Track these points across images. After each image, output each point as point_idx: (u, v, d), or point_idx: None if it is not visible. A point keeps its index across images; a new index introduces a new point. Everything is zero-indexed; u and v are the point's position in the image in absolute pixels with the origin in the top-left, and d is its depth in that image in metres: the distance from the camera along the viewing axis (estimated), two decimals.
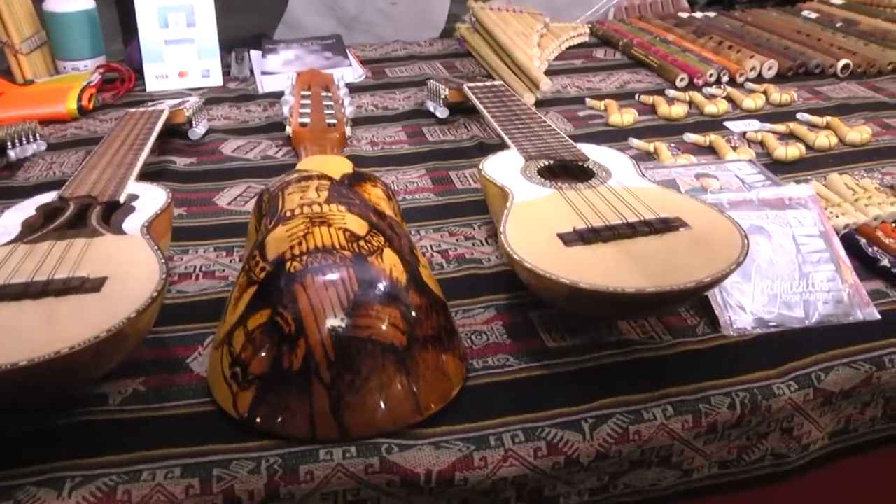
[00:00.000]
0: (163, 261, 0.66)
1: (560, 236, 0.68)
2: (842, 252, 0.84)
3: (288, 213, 0.68)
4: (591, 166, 0.84)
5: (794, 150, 1.12)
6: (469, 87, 1.14)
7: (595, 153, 0.88)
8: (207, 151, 1.17)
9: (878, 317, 0.78)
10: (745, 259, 0.66)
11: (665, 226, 0.69)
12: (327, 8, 2.29)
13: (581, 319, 0.74)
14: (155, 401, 0.66)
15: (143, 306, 0.59)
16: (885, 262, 0.85)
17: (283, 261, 0.63)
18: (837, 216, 0.94)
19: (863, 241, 0.89)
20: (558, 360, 0.70)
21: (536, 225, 0.70)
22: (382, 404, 0.59)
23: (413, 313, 0.62)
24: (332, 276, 0.61)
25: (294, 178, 0.74)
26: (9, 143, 1.14)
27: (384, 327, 0.60)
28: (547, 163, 0.85)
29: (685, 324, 0.76)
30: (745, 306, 0.78)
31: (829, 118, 1.24)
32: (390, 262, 0.63)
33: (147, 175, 1.06)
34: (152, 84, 1.45)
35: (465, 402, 0.64)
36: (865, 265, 0.86)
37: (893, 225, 0.93)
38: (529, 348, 0.71)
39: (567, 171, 0.84)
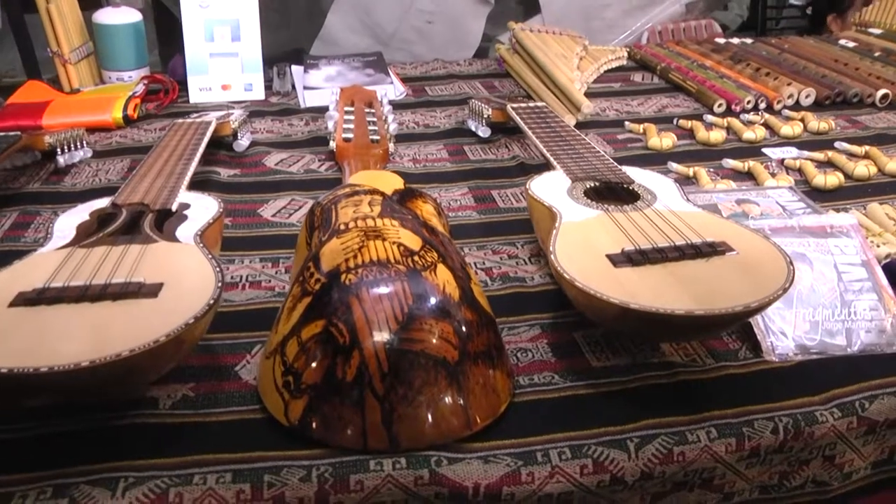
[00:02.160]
0: (217, 269, 0.67)
1: (609, 257, 0.69)
2: (884, 281, 0.84)
3: (342, 227, 0.69)
4: (636, 189, 0.85)
5: (832, 179, 1.12)
6: (513, 108, 1.15)
7: (639, 176, 0.88)
8: (251, 164, 1.19)
9: None
10: (791, 285, 0.66)
11: (711, 250, 0.70)
12: (364, 25, 2.31)
13: (625, 340, 0.75)
14: (204, 406, 0.68)
15: (200, 313, 0.60)
16: None
17: (339, 273, 0.64)
18: (879, 246, 0.94)
19: None
20: (603, 380, 0.70)
21: (585, 245, 0.71)
22: (433, 417, 0.60)
23: (465, 329, 0.63)
24: (387, 290, 0.62)
25: (346, 193, 0.76)
26: (58, 150, 1.17)
27: (437, 341, 0.61)
28: (593, 184, 0.86)
29: (727, 348, 0.76)
30: (787, 332, 0.78)
31: (867, 147, 1.24)
32: (444, 277, 0.64)
33: (192, 185, 1.08)
34: (195, 96, 1.48)
35: (512, 417, 0.65)
36: None
37: None
38: (574, 367, 0.72)
39: (612, 194, 0.85)
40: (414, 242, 0.67)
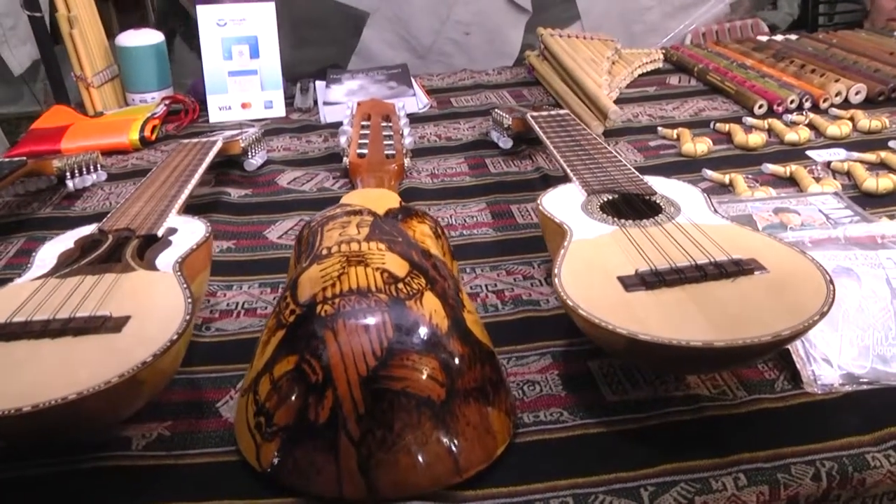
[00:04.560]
0: (189, 300, 0.62)
1: (620, 279, 0.61)
2: None
3: (324, 251, 0.63)
4: (658, 201, 0.77)
5: (885, 182, 1.02)
6: (532, 117, 1.08)
7: (664, 186, 0.81)
8: (264, 183, 1.14)
9: None
10: (829, 308, 0.58)
11: (738, 269, 0.62)
12: (400, 39, 2.28)
13: (646, 371, 0.67)
14: (178, 447, 0.62)
15: (159, 350, 0.55)
16: None
17: (315, 303, 0.58)
18: None
19: None
20: (618, 417, 0.63)
21: (595, 266, 0.64)
22: (417, 463, 0.53)
23: (454, 363, 0.56)
24: (366, 322, 0.56)
25: (335, 213, 0.70)
26: (68, 174, 1.14)
27: (421, 379, 0.54)
28: (610, 197, 0.78)
29: (762, 378, 0.68)
30: (832, 359, 0.69)
31: None
32: (431, 306, 0.58)
33: (201, 207, 1.05)
34: (215, 115, 1.44)
35: (511, 461, 0.58)
36: None
37: None
38: (586, 402, 0.64)
39: (632, 207, 0.77)
40: (400, 268, 0.60)
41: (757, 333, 0.54)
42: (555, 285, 0.61)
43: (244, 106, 1.45)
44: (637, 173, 0.84)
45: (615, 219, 0.72)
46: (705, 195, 0.79)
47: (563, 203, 0.77)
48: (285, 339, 0.57)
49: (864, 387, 0.67)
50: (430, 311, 0.57)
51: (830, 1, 3.53)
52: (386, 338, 0.55)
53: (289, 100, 1.50)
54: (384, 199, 0.75)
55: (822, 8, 3.53)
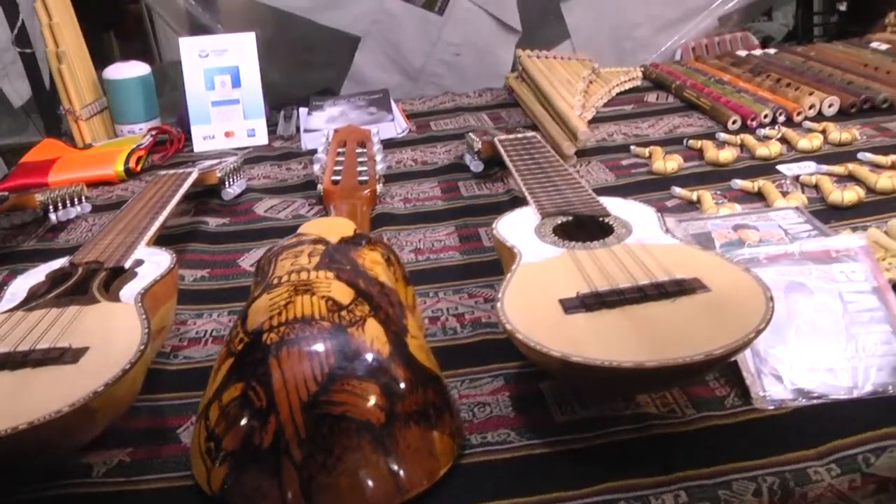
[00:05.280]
0: (146, 331, 0.64)
1: (562, 302, 0.62)
2: None
3: (275, 281, 0.65)
4: (611, 222, 0.78)
5: (850, 194, 1.04)
6: (500, 140, 1.10)
7: (618, 207, 0.82)
8: (242, 212, 1.16)
9: None
10: (766, 326, 0.59)
11: (679, 288, 0.63)
12: (392, 62, 2.30)
13: (591, 392, 0.68)
14: (137, 473, 0.64)
15: (111, 380, 0.56)
16: None
17: (261, 331, 0.60)
18: None
19: None
20: (564, 437, 0.64)
21: (539, 289, 0.65)
22: (358, 486, 0.55)
23: (394, 388, 0.57)
24: (308, 349, 0.57)
25: (290, 243, 0.72)
26: (50, 207, 1.17)
27: (360, 403, 0.56)
28: (564, 220, 0.80)
29: (713, 395, 0.68)
30: (783, 374, 0.70)
31: (894, 157, 1.15)
32: (372, 333, 0.60)
33: (178, 236, 1.07)
34: (199, 145, 1.47)
35: (455, 482, 0.59)
36: None
37: None
38: (534, 423, 0.66)
39: (585, 229, 0.79)
40: (345, 295, 0.62)
41: (689, 353, 0.55)
42: (496, 309, 0.62)
43: (227, 135, 1.47)
44: (593, 195, 0.85)
45: (565, 242, 0.74)
46: (659, 215, 0.80)
47: (518, 226, 0.79)
48: (234, 366, 0.59)
49: (815, 402, 0.67)
50: (371, 338, 0.59)
51: (824, 12, 3.55)
52: (327, 364, 0.56)
53: (273, 127, 1.52)
54: (339, 228, 0.76)
55: (816, 19, 3.55)
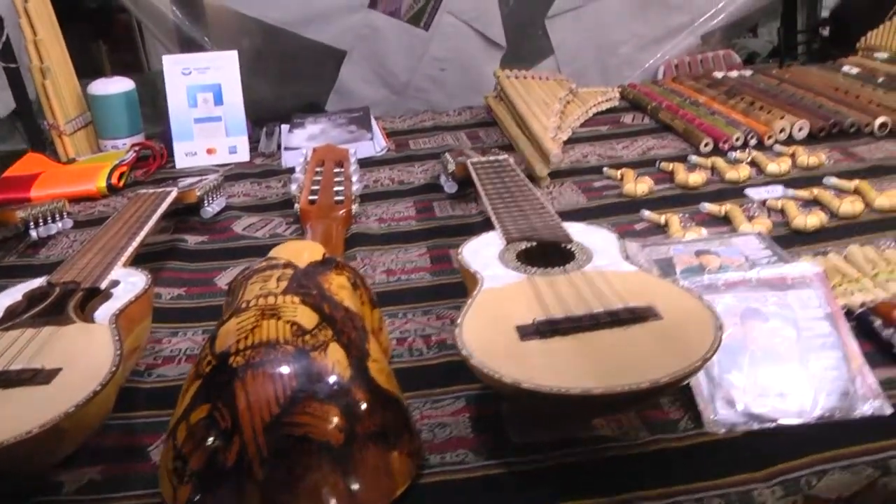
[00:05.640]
0: (118, 352, 0.66)
1: (518, 329, 0.65)
2: (850, 337, 0.78)
3: (244, 305, 0.67)
4: (573, 248, 0.81)
5: (813, 220, 1.07)
6: (472, 163, 1.13)
7: (582, 233, 0.85)
8: (220, 230, 1.18)
9: (890, 410, 0.70)
10: (713, 354, 0.61)
11: (632, 316, 0.66)
12: (377, 76, 2.33)
13: (552, 415, 0.71)
14: (107, 491, 0.66)
15: (82, 401, 0.59)
16: None
17: (228, 354, 0.62)
18: (853, 294, 0.88)
19: (878, 322, 0.83)
20: (520, 459, 0.66)
21: (498, 316, 0.68)
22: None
23: (354, 410, 0.60)
24: (272, 372, 0.60)
25: (261, 267, 0.74)
26: (31, 223, 1.18)
27: (321, 425, 0.58)
28: (528, 245, 0.82)
29: (666, 419, 0.71)
30: (736, 399, 0.72)
31: (858, 182, 1.18)
32: (334, 357, 0.62)
33: (157, 254, 1.09)
34: (181, 161, 1.49)
35: (411, 501, 0.62)
36: (879, 350, 0.79)
37: None
38: (492, 444, 0.68)
39: (547, 255, 0.81)
40: (310, 320, 0.65)
41: (636, 380, 0.58)
42: (455, 335, 0.65)
43: (209, 152, 1.49)
44: (558, 221, 0.88)
45: (527, 268, 0.76)
46: (620, 241, 0.83)
47: (482, 252, 0.81)
48: (201, 387, 0.62)
49: (766, 425, 0.70)
50: (333, 362, 0.62)
51: (807, 30, 3.60)
52: (290, 387, 0.59)
53: (254, 144, 1.54)
54: (308, 252, 0.79)
55: (800, 37, 3.60)
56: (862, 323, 0.83)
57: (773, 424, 0.70)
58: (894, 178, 1.21)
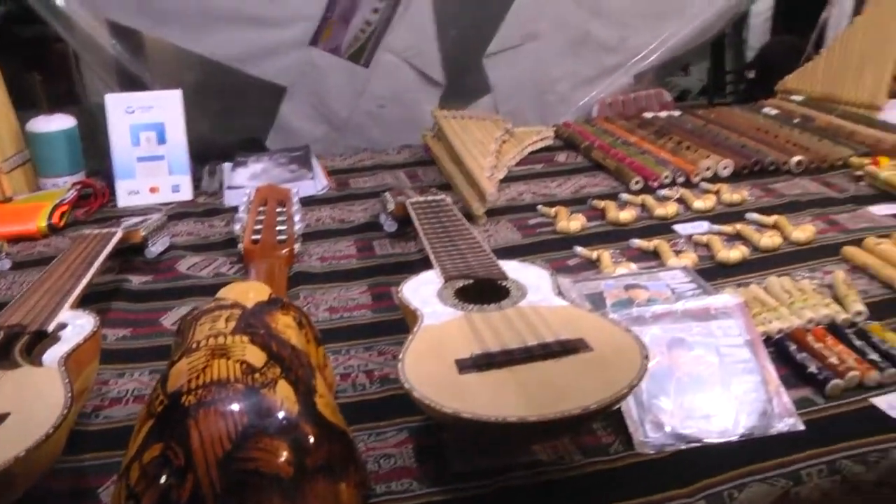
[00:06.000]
0: (69, 395, 0.68)
1: (457, 362, 0.69)
2: (767, 361, 0.85)
3: (194, 345, 0.70)
4: (508, 285, 0.85)
5: (736, 253, 1.13)
6: (411, 203, 1.17)
7: (516, 271, 0.89)
8: (164, 269, 1.19)
9: (802, 428, 0.77)
10: (639, 381, 0.66)
11: (563, 348, 0.70)
12: (318, 113, 2.36)
13: (492, 443, 0.75)
14: None
15: (33, 445, 0.60)
16: (813, 369, 0.85)
17: (180, 394, 0.64)
18: (771, 321, 0.94)
19: (793, 346, 0.90)
20: (462, 485, 0.70)
21: (438, 351, 0.72)
22: None
23: (302, 444, 0.62)
24: (223, 409, 0.62)
25: (208, 308, 0.77)
26: None
27: (271, 459, 0.60)
28: (466, 283, 0.87)
29: (599, 443, 0.76)
30: (664, 421, 0.78)
31: (776, 217, 1.26)
32: (283, 393, 0.65)
33: (101, 294, 1.09)
34: (124, 200, 1.49)
35: None
36: (794, 372, 0.86)
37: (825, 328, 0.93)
38: (435, 472, 0.72)
39: (484, 292, 0.86)
40: (258, 358, 0.67)
41: (567, 408, 0.62)
42: (398, 370, 0.68)
43: (152, 190, 1.50)
44: (494, 260, 0.93)
45: (464, 305, 0.81)
46: (553, 278, 0.88)
47: (422, 289, 0.85)
48: (154, 427, 0.63)
49: (692, 445, 0.75)
50: (281, 398, 0.64)
51: (734, 70, 3.78)
52: (241, 423, 0.61)
53: (197, 182, 1.55)
54: (254, 292, 0.81)
55: (728, 77, 3.77)
56: (779, 348, 0.90)
57: (699, 444, 0.75)
58: (808, 213, 1.30)
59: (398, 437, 0.77)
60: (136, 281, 1.16)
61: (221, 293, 0.81)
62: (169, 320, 1.04)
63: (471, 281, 0.87)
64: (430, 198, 1.19)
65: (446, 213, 1.11)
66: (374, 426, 0.78)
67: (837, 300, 0.99)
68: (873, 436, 0.76)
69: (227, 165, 1.60)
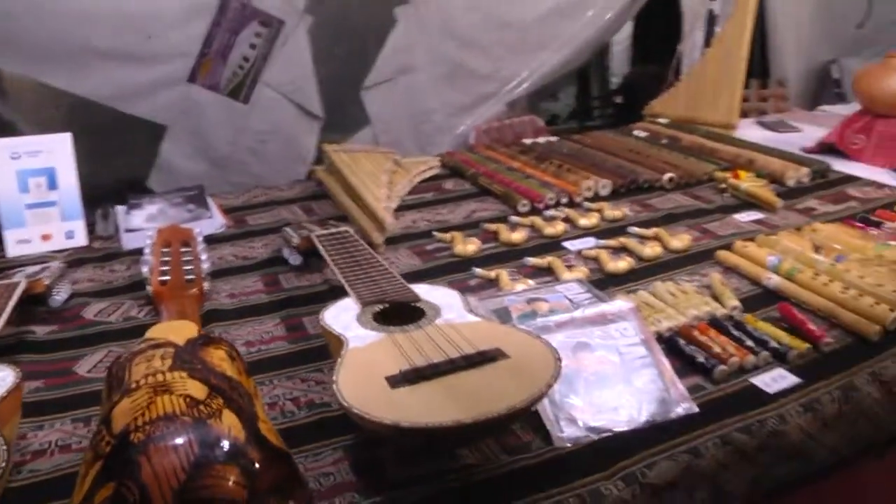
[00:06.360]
0: (3, 447, 0.68)
1: (387, 379, 0.74)
2: (661, 355, 0.94)
3: (133, 385, 0.71)
4: (422, 306, 0.91)
5: (623, 264, 1.23)
6: (317, 236, 1.21)
7: (427, 292, 0.95)
8: (70, 318, 1.18)
9: (696, 409, 0.88)
10: (555, 381, 0.73)
11: (483, 358, 0.77)
12: (198, 150, 2.34)
13: (424, 450, 0.80)
14: None
15: None
16: (700, 359, 0.96)
17: (128, 432, 0.66)
18: (660, 321, 1.04)
19: (682, 341, 1.00)
20: (402, 492, 0.75)
21: (367, 370, 0.76)
22: None
23: (253, 468, 0.65)
24: (173, 442, 0.64)
25: (140, 349, 0.78)
26: None
27: (225, 485, 0.63)
28: (382, 307, 0.92)
29: (520, 442, 0.83)
30: (577, 417, 0.85)
31: (656, 229, 1.37)
32: (229, 422, 0.68)
33: (5, 348, 1.07)
34: (13, 249, 1.45)
35: None
36: (684, 363, 0.96)
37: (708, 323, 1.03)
38: (376, 483, 0.76)
39: (400, 313, 0.91)
40: (200, 391, 0.70)
41: (496, 408, 0.69)
42: (333, 391, 0.73)
43: (45, 238, 1.47)
44: (404, 284, 0.98)
45: (384, 327, 0.86)
46: (463, 296, 0.95)
47: (341, 316, 0.90)
48: (103, 468, 0.65)
49: (604, 435, 0.84)
50: (228, 426, 0.67)
51: (601, 96, 4.00)
52: (192, 453, 0.64)
53: (90, 226, 1.53)
54: (184, 330, 0.84)
55: (595, 102, 3.99)
56: (670, 343, 1.00)
57: (610, 433, 0.84)
58: (683, 224, 1.42)
59: (334, 456, 0.81)
60: (40, 331, 1.14)
61: (150, 333, 0.83)
62: (83, 368, 1.03)
63: (387, 305, 0.92)
64: (333, 230, 1.23)
65: (352, 243, 1.16)
66: (309, 448, 0.82)
67: (715, 298, 1.11)
68: (755, 409, 0.88)
69: (120, 208, 1.58)
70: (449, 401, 0.71)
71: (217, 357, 0.78)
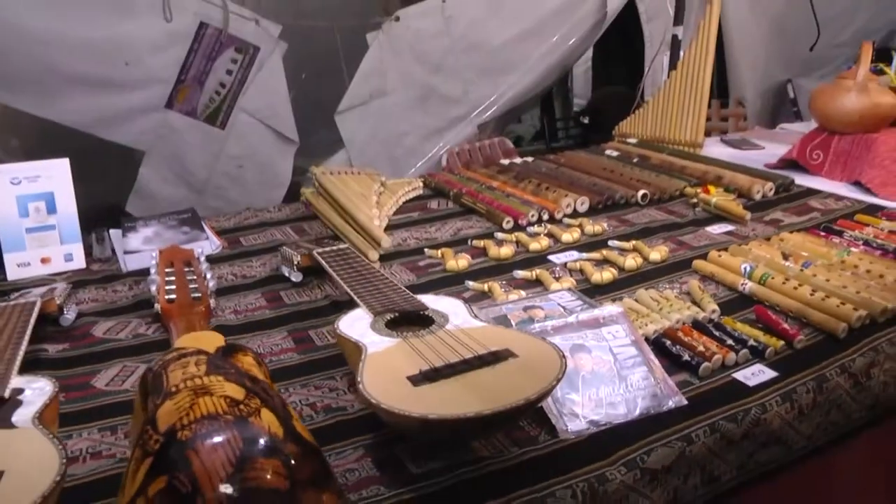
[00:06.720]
0: (60, 447, 0.73)
1: (409, 378, 0.81)
2: (651, 355, 1.02)
3: (173, 389, 0.77)
4: (430, 314, 0.98)
5: (607, 274, 1.31)
6: (318, 253, 1.27)
7: (433, 301, 1.02)
8: (79, 336, 1.22)
9: (685, 402, 0.96)
10: (563, 375, 0.80)
11: (495, 358, 0.84)
12: (176, 175, 2.38)
13: (440, 446, 0.86)
14: None
15: (47, 491, 0.66)
16: (686, 357, 1.04)
17: (175, 431, 0.71)
18: (647, 325, 1.11)
19: (668, 342, 1.07)
20: (423, 483, 0.82)
21: (388, 372, 0.83)
22: None
23: (292, 461, 0.71)
24: (219, 439, 0.70)
25: (174, 357, 0.83)
26: None
27: (269, 476, 0.69)
28: (392, 315, 0.98)
29: (528, 435, 0.90)
30: (578, 412, 0.92)
31: (634, 242, 1.45)
32: (267, 419, 0.73)
33: (22, 366, 1.11)
34: (14, 272, 1.48)
35: None
36: (672, 362, 1.04)
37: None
38: (398, 476, 0.83)
39: (410, 321, 0.98)
40: (238, 393, 0.76)
41: (512, 400, 0.76)
42: (359, 390, 0.79)
43: (44, 261, 1.50)
44: (410, 293, 1.05)
45: (399, 333, 0.93)
46: (467, 304, 1.01)
47: (356, 325, 0.96)
48: (154, 464, 0.70)
49: (603, 427, 0.91)
50: (267, 424, 0.73)
51: (564, 118, 4.11)
52: (238, 448, 0.69)
53: (88, 249, 1.56)
54: (211, 340, 0.89)
55: (559, 124, 4.11)
56: (658, 345, 1.07)
57: (610, 425, 0.91)
58: (659, 237, 1.51)
59: (356, 454, 0.87)
60: (52, 350, 1.18)
61: (178, 343, 0.89)
62: (101, 382, 1.08)
63: (397, 313, 0.99)
64: (334, 247, 1.29)
65: (354, 258, 1.23)
66: (332, 448, 0.88)
67: (696, 303, 1.19)
68: (738, 400, 0.97)
69: (115, 232, 1.62)
70: (469, 395, 0.77)
71: (247, 363, 0.83)
